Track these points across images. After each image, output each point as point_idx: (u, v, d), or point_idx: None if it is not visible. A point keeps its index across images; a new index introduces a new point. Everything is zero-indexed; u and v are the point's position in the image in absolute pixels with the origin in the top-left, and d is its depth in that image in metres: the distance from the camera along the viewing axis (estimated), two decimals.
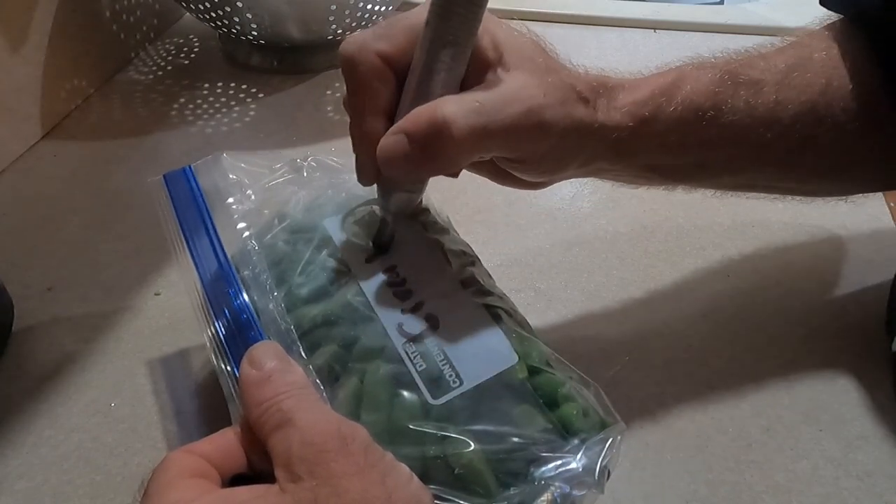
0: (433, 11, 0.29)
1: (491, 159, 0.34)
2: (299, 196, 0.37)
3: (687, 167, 0.37)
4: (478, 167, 0.36)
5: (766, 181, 0.40)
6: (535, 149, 0.32)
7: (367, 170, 0.32)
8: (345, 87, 0.32)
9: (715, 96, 0.35)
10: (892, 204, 0.54)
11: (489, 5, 0.29)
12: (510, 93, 0.30)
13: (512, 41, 0.31)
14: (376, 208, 0.35)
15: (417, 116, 0.29)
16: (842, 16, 0.39)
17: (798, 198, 0.43)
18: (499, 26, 0.32)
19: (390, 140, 0.29)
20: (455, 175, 0.35)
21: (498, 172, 0.36)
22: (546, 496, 0.28)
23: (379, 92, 0.31)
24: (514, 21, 0.33)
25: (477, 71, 0.31)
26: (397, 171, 0.30)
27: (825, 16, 0.40)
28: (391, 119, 0.31)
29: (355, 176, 0.39)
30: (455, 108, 0.29)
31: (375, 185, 0.34)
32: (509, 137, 0.30)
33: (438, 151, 0.29)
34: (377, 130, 0.30)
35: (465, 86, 0.31)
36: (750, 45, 0.39)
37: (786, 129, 0.36)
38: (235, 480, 0.27)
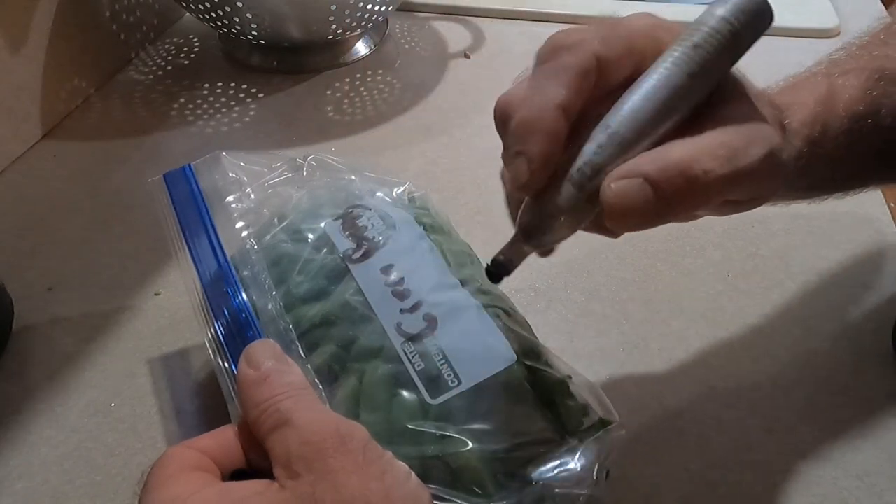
0: (705, 51, 0.26)
1: None
2: (299, 196, 0.37)
3: (845, 179, 0.36)
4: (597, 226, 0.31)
5: None
6: (769, 188, 0.29)
7: (541, 172, 0.27)
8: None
9: (871, 100, 0.33)
10: (892, 204, 0.54)
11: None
12: (751, 131, 0.27)
13: None
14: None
15: (663, 161, 0.25)
16: None
17: None
18: None
19: (627, 185, 0.25)
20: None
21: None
22: (544, 497, 0.28)
23: (579, 91, 0.27)
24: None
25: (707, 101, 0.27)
26: (629, 222, 0.26)
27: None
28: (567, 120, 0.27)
29: (355, 176, 0.39)
30: (703, 154, 0.25)
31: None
32: (754, 179, 0.27)
33: (686, 203, 0.26)
34: (562, 130, 0.26)
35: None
36: (851, 38, 0.37)
37: None
38: (235, 476, 0.27)
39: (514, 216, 0.30)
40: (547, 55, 0.27)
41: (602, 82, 0.27)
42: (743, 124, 0.27)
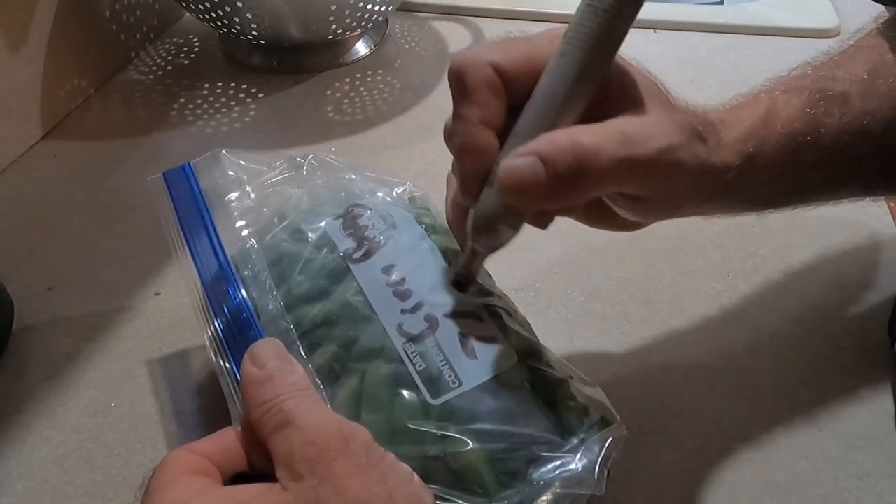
0: (575, 45, 0.27)
1: (592, 200, 0.32)
2: (299, 195, 0.37)
3: (785, 194, 0.36)
4: (571, 209, 0.34)
5: (862, 192, 0.39)
6: (668, 187, 0.30)
7: (472, 185, 0.29)
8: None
9: (811, 119, 0.33)
10: (892, 204, 0.54)
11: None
12: (651, 126, 0.28)
13: (640, 77, 0.30)
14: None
15: (555, 141, 0.26)
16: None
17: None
18: (626, 61, 0.30)
19: (520, 162, 0.26)
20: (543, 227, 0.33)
21: (592, 214, 0.34)
22: (545, 497, 0.28)
23: (489, 103, 0.28)
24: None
25: (613, 103, 0.29)
26: (522, 199, 0.27)
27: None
28: (501, 136, 0.29)
29: (355, 175, 0.39)
30: (597, 137, 0.27)
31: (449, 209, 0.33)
32: (650, 172, 0.28)
33: (577, 182, 0.27)
34: (488, 143, 0.28)
35: (593, 118, 0.28)
36: (812, 55, 0.38)
37: (879, 137, 0.35)
38: (236, 479, 0.27)
39: (452, 228, 0.34)
40: (453, 83, 0.29)
41: (513, 92, 0.29)
42: (645, 118, 0.28)
